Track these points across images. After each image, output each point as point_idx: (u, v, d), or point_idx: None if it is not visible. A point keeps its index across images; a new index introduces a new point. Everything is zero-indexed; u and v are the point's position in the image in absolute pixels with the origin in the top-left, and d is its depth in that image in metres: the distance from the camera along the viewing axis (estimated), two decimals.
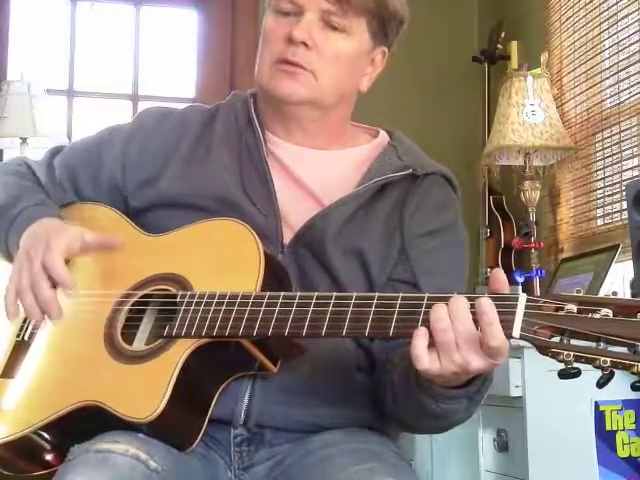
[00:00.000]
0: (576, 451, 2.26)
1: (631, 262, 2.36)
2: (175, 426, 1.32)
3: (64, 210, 1.54)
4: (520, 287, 2.98)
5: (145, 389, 1.29)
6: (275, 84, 1.46)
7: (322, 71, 1.45)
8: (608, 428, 2.27)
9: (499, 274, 1.20)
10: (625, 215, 2.60)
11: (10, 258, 1.47)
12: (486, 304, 1.13)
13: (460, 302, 1.16)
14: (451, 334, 1.15)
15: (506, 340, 1.13)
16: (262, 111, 1.54)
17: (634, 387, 1.10)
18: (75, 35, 3.94)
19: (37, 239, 1.40)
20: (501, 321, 1.13)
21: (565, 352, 1.10)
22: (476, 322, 1.15)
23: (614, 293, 1.12)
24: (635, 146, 2.84)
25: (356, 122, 1.61)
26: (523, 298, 1.15)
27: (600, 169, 3.02)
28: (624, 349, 1.09)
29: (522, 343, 1.15)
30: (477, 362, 1.15)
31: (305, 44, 1.43)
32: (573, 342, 1.11)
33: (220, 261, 1.39)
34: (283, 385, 1.38)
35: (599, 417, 2.26)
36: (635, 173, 2.83)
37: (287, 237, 1.45)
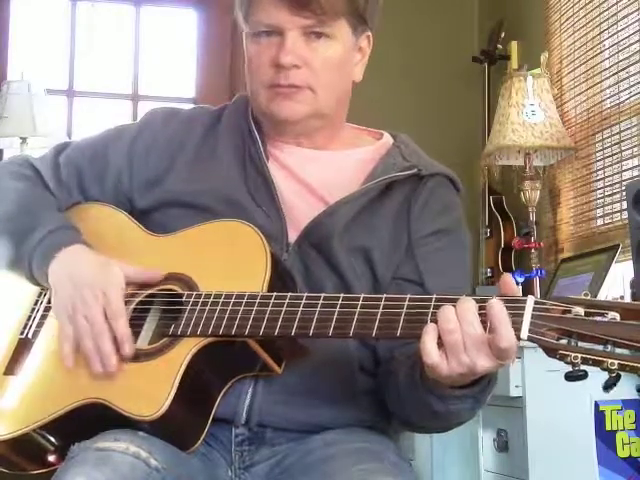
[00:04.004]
0: (576, 451, 2.26)
1: (631, 262, 2.36)
2: (178, 425, 1.32)
3: (70, 211, 1.53)
4: (520, 287, 2.98)
5: (150, 387, 1.29)
6: (275, 107, 1.46)
7: (318, 84, 1.45)
8: (608, 428, 2.27)
9: (508, 278, 1.21)
10: (625, 215, 2.59)
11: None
12: (496, 305, 1.14)
13: (468, 304, 1.17)
14: (459, 335, 1.16)
15: (516, 341, 1.14)
16: (262, 120, 1.53)
17: None
18: (75, 35, 3.95)
19: (83, 283, 1.35)
20: None
21: (573, 354, 1.10)
22: (484, 324, 1.15)
23: (622, 297, 1.12)
24: (635, 146, 2.84)
25: (356, 123, 1.62)
26: (531, 300, 1.16)
27: (600, 169, 3.02)
28: (632, 352, 1.09)
29: (523, 343, 1.15)
30: (484, 363, 1.16)
31: (295, 65, 1.43)
32: (580, 344, 1.11)
33: (226, 262, 1.38)
34: (285, 385, 1.38)
35: (599, 417, 2.27)
36: (635, 173, 2.83)
37: (292, 236, 1.45)
